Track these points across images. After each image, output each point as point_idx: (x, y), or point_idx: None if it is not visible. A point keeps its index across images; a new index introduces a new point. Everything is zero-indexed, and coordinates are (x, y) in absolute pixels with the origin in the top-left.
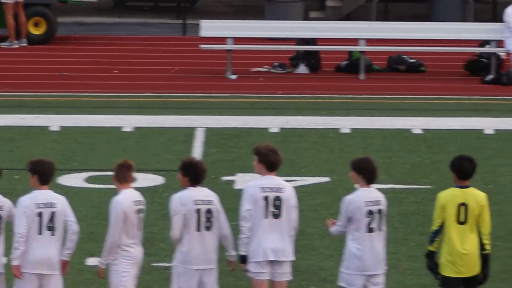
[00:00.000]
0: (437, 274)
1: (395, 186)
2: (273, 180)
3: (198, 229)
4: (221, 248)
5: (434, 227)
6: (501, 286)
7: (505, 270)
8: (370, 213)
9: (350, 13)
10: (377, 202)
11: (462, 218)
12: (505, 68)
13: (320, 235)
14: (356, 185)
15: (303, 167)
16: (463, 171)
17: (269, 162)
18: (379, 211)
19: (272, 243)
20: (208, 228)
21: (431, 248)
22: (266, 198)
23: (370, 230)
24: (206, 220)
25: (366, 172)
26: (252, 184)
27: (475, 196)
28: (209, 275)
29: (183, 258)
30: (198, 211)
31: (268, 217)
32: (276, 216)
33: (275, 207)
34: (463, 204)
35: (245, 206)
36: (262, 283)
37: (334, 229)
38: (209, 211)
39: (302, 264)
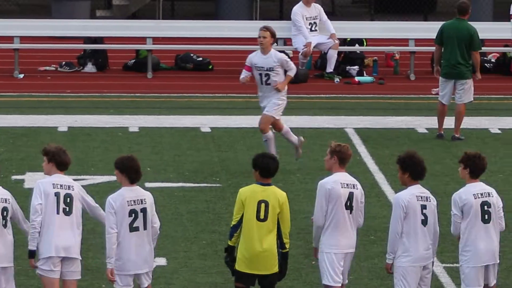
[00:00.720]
0: (234, 269)
1: (184, 185)
2: (63, 178)
3: None
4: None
5: (234, 222)
6: (293, 284)
7: (297, 268)
8: (133, 212)
9: (136, 11)
10: (140, 201)
11: (262, 215)
12: None
13: None
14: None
15: (92, 166)
16: (267, 169)
17: (59, 161)
18: (143, 210)
19: (63, 240)
20: (5, 226)
21: (230, 243)
22: (57, 194)
23: (134, 229)
24: (2, 218)
25: (129, 171)
26: (43, 180)
27: (276, 194)
28: (6, 274)
29: None
30: None
31: (59, 213)
32: (67, 213)
33: (66, 204)
34: (263, 201)
35: (37, 200)
36: (53, 281)
37: (107, 245)
38: (5, 209)
39: (93, 263)
